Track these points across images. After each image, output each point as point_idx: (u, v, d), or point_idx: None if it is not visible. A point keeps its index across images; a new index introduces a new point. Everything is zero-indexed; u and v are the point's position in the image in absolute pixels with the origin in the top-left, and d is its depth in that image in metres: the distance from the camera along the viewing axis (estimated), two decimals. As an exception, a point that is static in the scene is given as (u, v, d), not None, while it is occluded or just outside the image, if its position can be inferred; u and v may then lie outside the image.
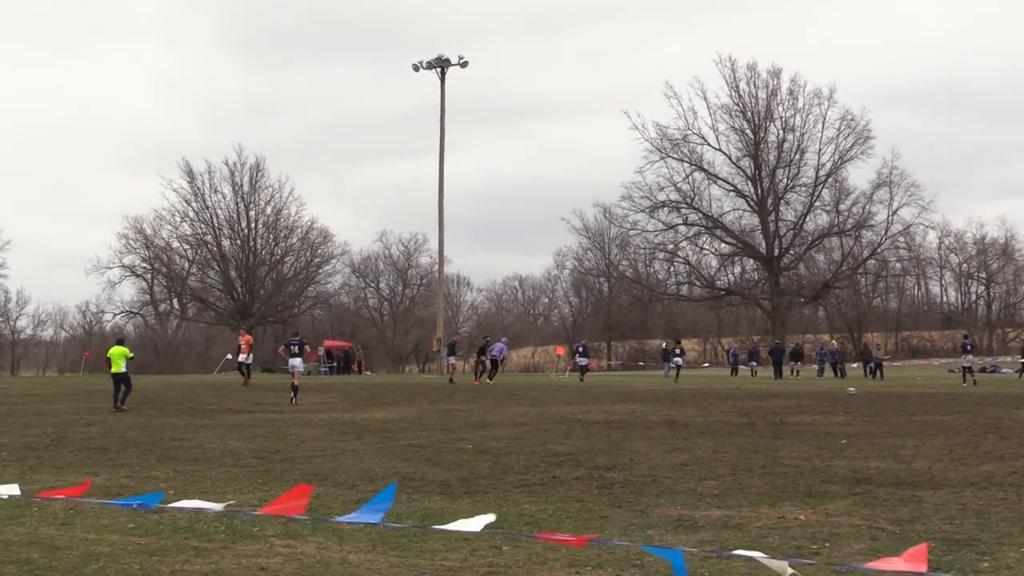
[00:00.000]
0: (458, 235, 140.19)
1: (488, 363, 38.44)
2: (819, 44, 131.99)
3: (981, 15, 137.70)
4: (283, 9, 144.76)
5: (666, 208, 73.50)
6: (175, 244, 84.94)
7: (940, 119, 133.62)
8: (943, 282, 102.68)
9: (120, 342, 25.18)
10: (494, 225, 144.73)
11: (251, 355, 34.86)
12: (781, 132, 72.35)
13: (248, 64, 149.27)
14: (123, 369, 23.53)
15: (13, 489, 5.72)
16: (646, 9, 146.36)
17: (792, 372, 49.79)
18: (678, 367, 46.11)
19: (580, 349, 48.65)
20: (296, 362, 27.59)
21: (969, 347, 39.66)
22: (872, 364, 44.97)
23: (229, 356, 73.91)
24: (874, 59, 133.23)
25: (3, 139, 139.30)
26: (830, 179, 72.15)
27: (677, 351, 48.53)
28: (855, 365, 55.11)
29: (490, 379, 38.18)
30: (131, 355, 24.06)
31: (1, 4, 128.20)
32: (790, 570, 3.95)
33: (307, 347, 29.84)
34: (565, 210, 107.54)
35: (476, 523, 4.82)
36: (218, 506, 5.96)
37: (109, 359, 24.05)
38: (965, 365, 38.73)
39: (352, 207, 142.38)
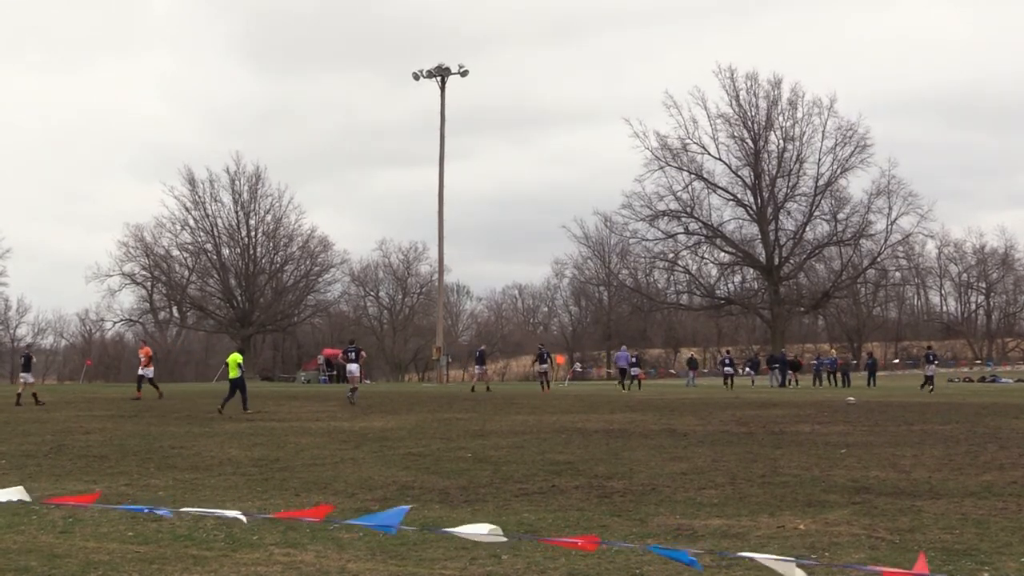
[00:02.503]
0: (461, 243, 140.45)
1: (547, 371, 40.39)
2: (822, 53, 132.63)
3: (984, 26, 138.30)
4: (296, 19, 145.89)
5: (666, 217, 73.64)
6: (175, 252, 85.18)
7: (943, 130, 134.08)
8: (943, 292, 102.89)
9: (241, 351, 27.37)
10: (499, 233, 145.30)
11: (151, 368, 32.01)
12: (781, 142, 72.52)
13: (259, 73, 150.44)
14: (238, 375, 25.37)
15: (18, 493, 5.68)
16: (659, 19, 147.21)
17: (790, 382, 49.86)
18: (729, 376, 47.43)
19: (634, 359, 48.65)
20: (353, 367, 29.84)
21: (932, 357, 42.99)
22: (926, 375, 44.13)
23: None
24: (876, 69, 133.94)
25: (12, 144, 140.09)
26: (829, 188, 72.27)
27: (727, 361, 49.56)
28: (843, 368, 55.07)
29: (628, 388, 41.61)
30: (240, 361, 25.85)
31: (16, 11, 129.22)
32: (799, 572, 3.92)
33: (363, 353, 32.18)
34: (570, 219, 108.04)
35: (480, 528, 4.78)
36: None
37: (227, 364, 26.28)
38: (928, 374, 41.61)
39: (359, 215, 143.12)
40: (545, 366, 40.35)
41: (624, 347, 49.31)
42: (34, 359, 31.26)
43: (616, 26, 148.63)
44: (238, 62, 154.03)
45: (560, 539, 6.03)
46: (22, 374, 30.41)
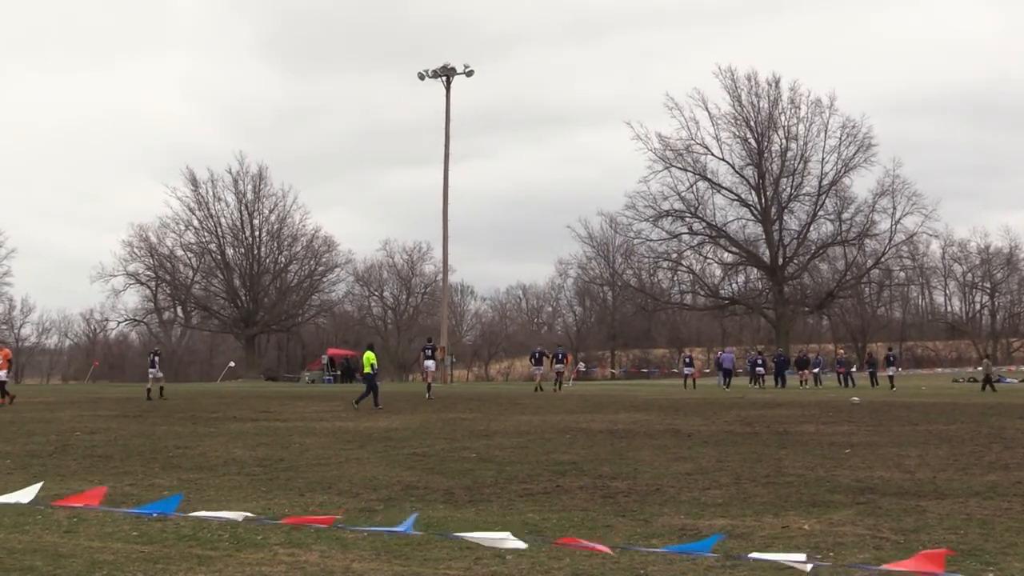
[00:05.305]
0: (468, 243, 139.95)
1: (572, 372, 43.17)
2: (827, 53, 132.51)
3: (993, 26, 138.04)
4: (317, 19, 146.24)
5: (670, 217, 73.59)
6: (179, 252, 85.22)
7: (948, 130, 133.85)
8: (947, 292, 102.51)
9: (370, 347, 29.14)
10: (506, 233, 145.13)
11: (9, 371, 30.46)
12: (784, 141, 72.39)
13: (279, 73, 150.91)
14: (369, 372, 27.17)
15: (26, 496, 5.67)
16: (670, 21, 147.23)
17: (802, 382, 49.65)
18: (760, 376, 47.87)
19: (687, 360, 48.75)
20: (429, 364, 32.38)
21: (893, 359, 46.01)
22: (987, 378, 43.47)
23: (232, 364, 74.11)
24: (880, 69, 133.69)
25: (23, 143, 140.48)
26: (833, 188, 72.18)
27: (758, 360, 49.73)
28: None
29: (727, 387, 43.56)
30: (373, 361, 27.39)
31: (37, 11, 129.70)
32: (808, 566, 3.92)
33: (438, 350, 35.28)
34: (578, 219, 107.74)
35: (497, 537, 4.74)
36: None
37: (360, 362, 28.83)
38: (890, 375, 44.29)
39: (372, 215, 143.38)
40: (560, 366, 41.36)
41: (730, 349, 50.52)
42: (158, 357, 33.80)
43: (631, 28, 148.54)
44: (259, 62, 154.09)
45: (576, 540, 6.03)
46: (150, 370, 33.11)
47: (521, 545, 4.52)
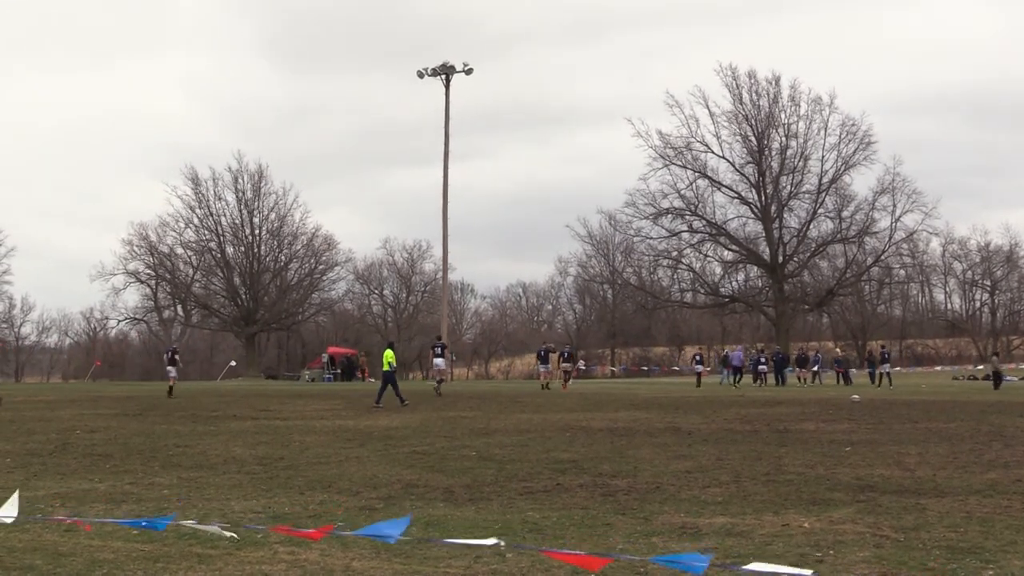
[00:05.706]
0: (470, 241, 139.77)
1: (573, 370, 43.34)
2: (832, 53, 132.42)
3: (997, 25, 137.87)
4: (318, 19, 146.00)
5: (670, 215, 73.45)
6: (179, 251, 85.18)
7: (950, 128, 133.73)
8: (947, 289, 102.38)
9: (390, 345, 29.33)
10: (507, 232, 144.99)
11: None
12: (784, 139, 72.25)
13: (280, 73, 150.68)
14: (387, 369, 27.44)
15: (10, 510, 5.57)
16: (675, 21, 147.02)
17: (800, 380, 49.64)
18: (763, 374, 48.40)
19: (698, 358, 49.05)
20: (439, 362, 32.88)
21: (887, 355, 47.63)
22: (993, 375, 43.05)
23: (232, 362, 74.09)
24: (880, 69, 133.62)
25: (25, 143, 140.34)
26: (833, 186, 72.09)
27: (761, 359, 50.42)
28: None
29: (735, 385, 44.54)
30: (391, 359, 27.69)
31: (39, 10, 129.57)
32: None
33: (448, 349, 35.25)
34: (578, 218, 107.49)
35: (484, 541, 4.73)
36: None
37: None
38: (884, 372, 45.65)
39: (374, 214, 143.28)
40: (568, 365, 42.16)
41: (740, 347, 51.08)
42: (177, 355, 35.30)
43: (631, 28, 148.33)
44: (259, 62, 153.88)
45: (563, 552, 6.03)
46: (168, 367, 34.60)
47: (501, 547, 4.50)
